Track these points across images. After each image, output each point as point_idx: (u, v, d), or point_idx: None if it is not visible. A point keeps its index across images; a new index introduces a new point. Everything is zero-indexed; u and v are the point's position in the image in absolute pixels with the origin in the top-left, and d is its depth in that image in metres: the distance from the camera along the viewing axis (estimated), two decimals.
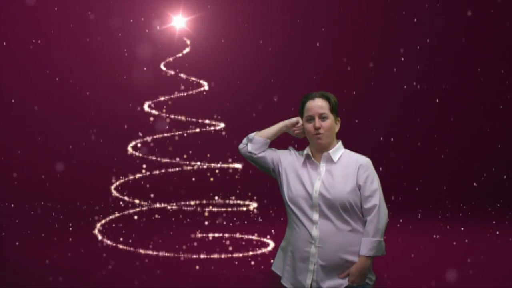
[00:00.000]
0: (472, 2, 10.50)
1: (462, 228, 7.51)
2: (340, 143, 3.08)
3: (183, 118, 8.31)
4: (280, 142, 3.24)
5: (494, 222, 7.90)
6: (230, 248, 6.30)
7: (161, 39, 9.14)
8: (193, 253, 6.06)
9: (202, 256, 5.94)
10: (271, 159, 3.11)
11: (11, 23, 9.06)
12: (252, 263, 5.71)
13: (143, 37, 9.39)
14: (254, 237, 6.90)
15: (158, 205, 8.26)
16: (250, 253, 6.14)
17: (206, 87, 8.39)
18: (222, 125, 8.38)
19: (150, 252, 6.11)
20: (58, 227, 7.44)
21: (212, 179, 8.86)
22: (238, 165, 8.50)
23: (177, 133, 8.45)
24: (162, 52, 8.75)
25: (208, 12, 9.58)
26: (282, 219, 7.30)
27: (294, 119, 3.12)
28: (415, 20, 10.49)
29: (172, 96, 8.36)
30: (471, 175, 10.15)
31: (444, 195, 9.63)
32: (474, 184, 9.98)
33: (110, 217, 7.87)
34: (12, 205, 8.27)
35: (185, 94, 8.43)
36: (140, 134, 8.43)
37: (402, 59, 10.48)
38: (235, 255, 6.03)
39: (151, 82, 9.00)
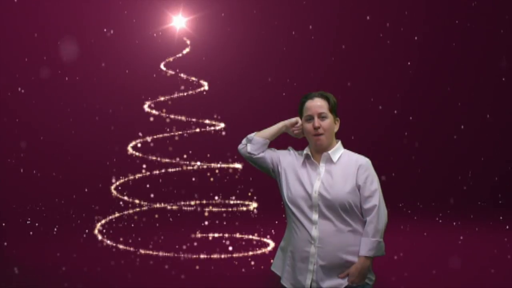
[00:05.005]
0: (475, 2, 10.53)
1: (462, 228, 7.51)
2: (339, 143, 3.08)
3: (183, 118, 8.31)
4: (279, 142, 3.24)
5: (491, 223, 7.90)
6: (230, 248, 6.30)
7: (161, 39, 9.15)
8: (193, 253, 6.06)
9: (202, 256, 5.94)
10: (270, 160, 3.11)
11: (11, 22, 9.06)
12: (252, 263, 5.72)
13: (143, 37, 9.39)
14: (254, 237, 6.90)
15: (158, 205, 8.26)
16: (250, 253, 6.14)
17: (206, 87, 8.39)
18: (222, 125, 8.38)
19: (150, 252, 6.11)
20: (58, 227, 7.44)
21: (212, 179, 8.86)
22: (238, 165, 8.50)
23: (177, 133, 8.46)
24: (162, 52, 8.75)
25: (208, 12, 9.57)
26: (282, 218, 7.30)
27: (293, 119, 3.12)
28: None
29: (172, 96, 8.36)
30: (471, 176, 10.15)
31: (444, 195, 9.62)
32: (474, 184, 9.97)
33: (110, 217, 7.87)
34: (13, 205, 8.28)
35: (185, 94, 8.43)
36: (140, 134, 8.43)
37: (403, 58, 10.49)
38: (235, 255, 6.04)
39: (151, 82, 9.01)
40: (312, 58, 10.27)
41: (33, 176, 8.79)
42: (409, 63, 10.53)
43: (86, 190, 8.69)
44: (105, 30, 9.39)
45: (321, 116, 2.98)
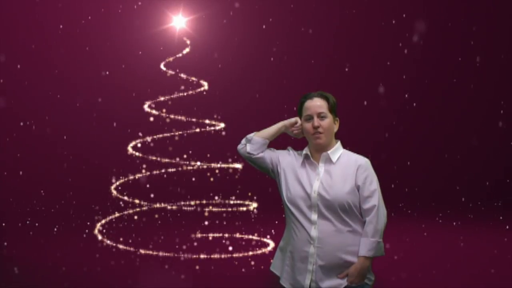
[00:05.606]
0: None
1: (462, 229, 7.51)
2: (339, 143, 3.08)
3: (183, 118, 8.31)
4: (279, 142, 3.24)
5: (491, 223, 7.90)
6: (230, 248, 6.30)
7: (161, 39, 9.15)
8: (193, 253, 6.06)
9: (202, 256, 5.94)
10: (270, 160, 3.11)
11: (13, 24, 9.06)
12: (252, 263, 5.72)
13: (143, 37, 9.39)
14: (254, 237, 6.90)
15: (158, 205, 8.26)
16: (250, 253, 6.14)
17: (206, 87, 8.39)
18: (222, 125, 8.37)
19: (150, 252, 6.11)
20: (58, 227, 7.44)
21: (212, 179, 8.86)
22: (238, 165, 8.49)
23: (177, 133, 8.45)
24: (162, 52, 8.75)
25: (208, 12, 9.57)
26: (282, 218, 7.30)
27: (293, 119, 3.12)
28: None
29: (172, 96, 8.36)
30: (471, 176, 10.14)
31: (444, 195, 9.62)
32: (474, 184, 9.96)
33: (110, 217, 7.87)
34: (13, 205, 8.27)
35: (185, 94, 8.43)
36: (140, 134, 8.43)
37: (403, 59, 10.48)
38: (235, 255, 6.04)
39: (151, 82, 9.01)
40: (312, 58, 10.26)
41: (33, 176, 8.79)
42: (410, 63, 10.51)
43: (86, 190, 8.69)
44: (105, 30, 9.39)
45: (321, 116, 2.98)
